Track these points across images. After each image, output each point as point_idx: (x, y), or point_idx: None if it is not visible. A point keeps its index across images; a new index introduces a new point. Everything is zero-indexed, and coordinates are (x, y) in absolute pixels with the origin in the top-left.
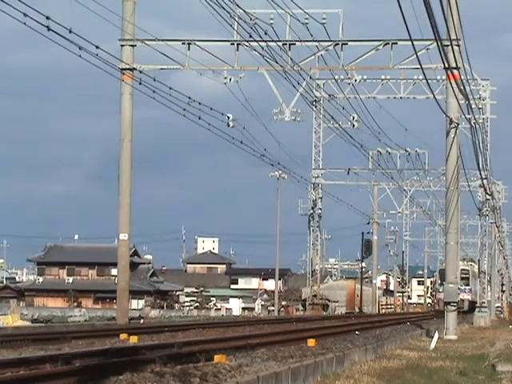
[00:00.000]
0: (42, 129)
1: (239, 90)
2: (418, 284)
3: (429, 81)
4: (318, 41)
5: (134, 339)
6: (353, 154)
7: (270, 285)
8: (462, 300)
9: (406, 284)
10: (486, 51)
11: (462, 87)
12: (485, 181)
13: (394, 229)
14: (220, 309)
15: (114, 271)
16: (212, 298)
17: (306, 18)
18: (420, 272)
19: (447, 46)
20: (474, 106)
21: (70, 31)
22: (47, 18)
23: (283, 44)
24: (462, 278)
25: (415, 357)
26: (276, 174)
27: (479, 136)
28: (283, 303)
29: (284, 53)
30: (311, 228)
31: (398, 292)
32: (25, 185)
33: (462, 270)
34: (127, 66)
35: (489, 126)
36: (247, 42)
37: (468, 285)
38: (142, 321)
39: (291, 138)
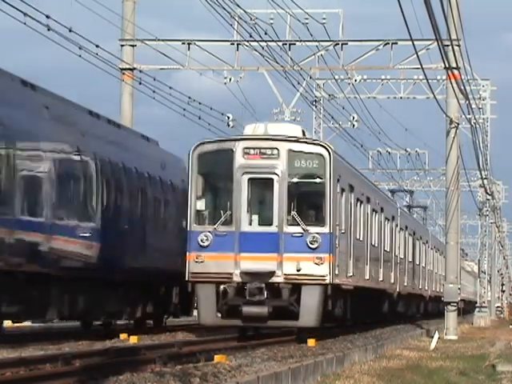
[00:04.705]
0: None
1: (239, 89)
2: None
3: (429, 81)
4: (318, 41)
5: (133, 339)
6: (353, 154)
7: None
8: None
9: None
10: (486, 51)
11: (462, 87)
12: (485, 181)
13: None
14: None
15: None
16: None
17: (306, 18)
18: None
19: (447, 45)
20: (474, 106)
21: (70, 30)
22: (47, 16)
23: (283, 44)
24: None
25: (415, 357)
26: None
27: (479, 136)
28: None
29: (284, 53)
30: None
31: None
32: None
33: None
34: (127, 66)
35: (489, 126)
36: (247, 41)
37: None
38: None
39: None
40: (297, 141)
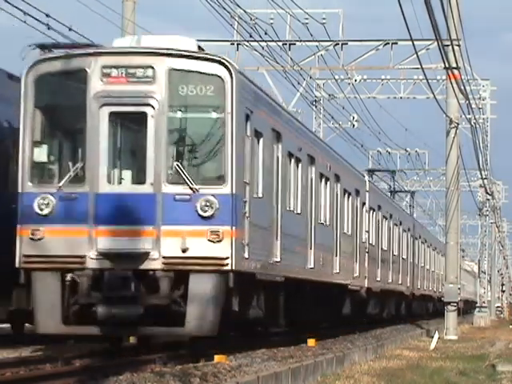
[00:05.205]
0: None
1: None
2: None
3: (429, 81)
4: (318, 41)
5: (133, 339)
6: (353, 154)
7: None
8: None
9: None
10: (486, 51)
11: (462, 87)
12: (485, 181)
13: None
14: None
15: None
16: None
17: (306, 18)
18: None
19: (447, 45)
20: (474, 106)
21: (70, 29)
22: (47, 15)
23: (283, 44)
24: None
25: (415, 357)
26: None
27: (479, 136)
28: None
29: (284, 53)
30: None
31: None
32: None
33: None
34: None
35: (489, 126)
36: (247, 41)
37: None
38: None
39: None
40: (182, 55)
